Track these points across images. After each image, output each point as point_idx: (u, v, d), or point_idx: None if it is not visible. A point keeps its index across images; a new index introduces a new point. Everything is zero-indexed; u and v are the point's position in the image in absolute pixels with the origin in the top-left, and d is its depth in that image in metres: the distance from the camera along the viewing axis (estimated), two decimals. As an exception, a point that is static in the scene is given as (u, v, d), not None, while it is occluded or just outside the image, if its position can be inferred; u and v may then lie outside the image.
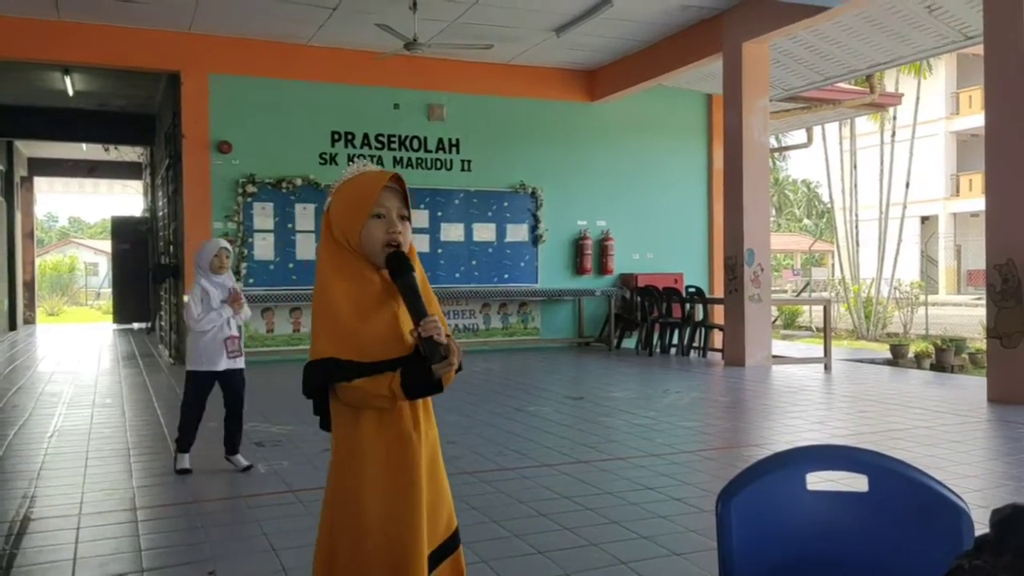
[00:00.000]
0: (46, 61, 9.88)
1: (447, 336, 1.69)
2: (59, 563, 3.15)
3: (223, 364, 4.50)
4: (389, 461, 1.70)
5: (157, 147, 13.69)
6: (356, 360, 1.65)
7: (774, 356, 9.47)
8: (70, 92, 11.80)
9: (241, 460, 4.58)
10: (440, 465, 1.81)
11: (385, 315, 1.71)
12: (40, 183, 19.90)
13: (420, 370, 1.66)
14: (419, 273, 1.76)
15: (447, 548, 1.79)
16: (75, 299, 29.83)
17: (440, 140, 10.93)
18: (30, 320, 17.80)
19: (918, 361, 12.03)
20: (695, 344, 10.48)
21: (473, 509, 3.77)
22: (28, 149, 17.07)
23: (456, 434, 5.49)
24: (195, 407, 4.54)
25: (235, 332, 4.59)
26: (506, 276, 11.28)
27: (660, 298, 10.80)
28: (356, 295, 1.70)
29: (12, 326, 15.81)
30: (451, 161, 10.99)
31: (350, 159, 10.48)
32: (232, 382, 4.56)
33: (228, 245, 4.67)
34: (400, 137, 10.75)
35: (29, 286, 18.01)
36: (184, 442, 4.53)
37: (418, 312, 1.68)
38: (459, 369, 1.71)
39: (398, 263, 1.71)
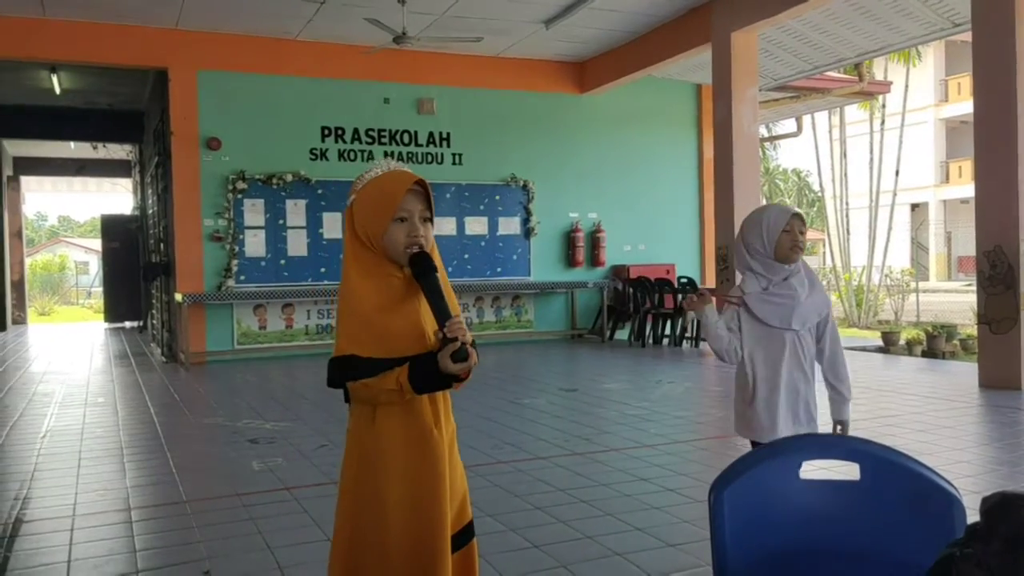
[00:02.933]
0: (32, 59, 9.81)
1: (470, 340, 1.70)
2: (54, 565, 3.14)
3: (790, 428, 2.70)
4: (410, 457, 1.71)
5: (146, 144, 13.62)
6: (377, 357, 1.66)
7: (767, 345, 9.48)
8: (57, 90, 11.72)
9: None
10: (456, 458, 1.83)
11: (407, 313, 1.73)
12: (28, 182, 19.79)
13: (428, 363, 1.66)
14: (441, 273, 1.78)
15: (459, 541, 1.81)
16: (66, 298, 29.69)
17: (431, 134, 10.91)
18: (20, 320, 17.71)
19: (909, 348, 12.09)
20: (688, 334, 10.50)
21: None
22: (14, 148, 16.96)
23: (450, 428, 5.49)
24: None
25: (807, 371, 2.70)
26: (499, 269, 11.28)
27: (652, 289, 10.81)
28: (379, 293, 1.72)
29: (2, 326, 15.73)
30: (442, 155, 10.97)
31: (340, 154, 10.46)
32: None
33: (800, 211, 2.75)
34: (390, 131, 10.71)
35: (18, 286, 17.92)
36: None
37: (443, 313, 1.70)
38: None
39: (421, 264, 1.73)
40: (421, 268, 1.73)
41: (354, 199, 1.79)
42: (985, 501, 0.95)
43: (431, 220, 1.79)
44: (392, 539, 1.70)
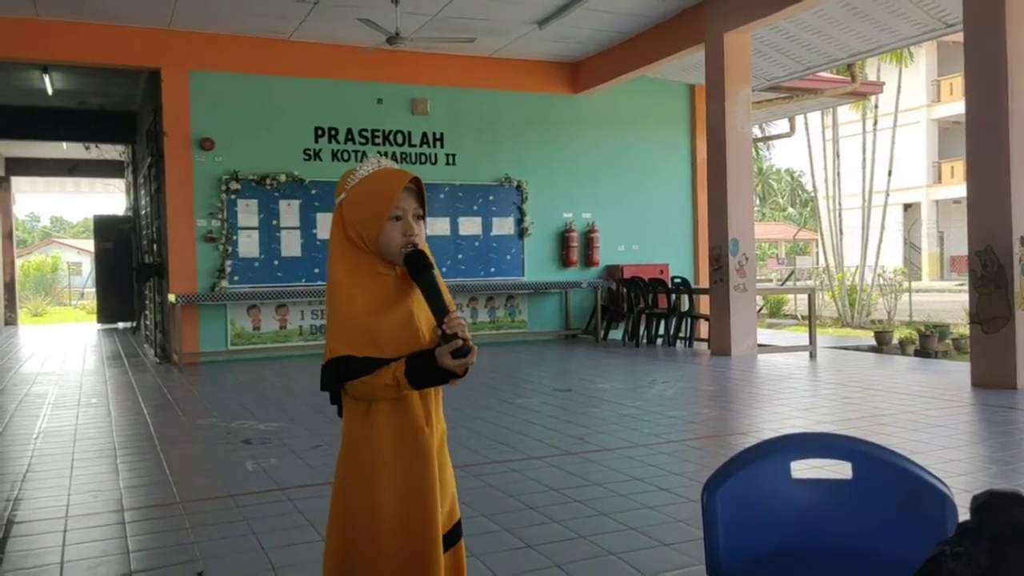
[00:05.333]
0: (24, 60, 9.78)
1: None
2: (46, 567, 3.13)
3: None
4: (401, 454, 1.71)
5: (139, 145, 13.58)
6: (374, 356, 1.65)
7: (760, 345, 9.51)
8: (49, 91, 11.68)
9: None
10: (446, 458, 1.83)
11: (400, 312, 1.71)
12: (20, 183, 19.72)
13: (426, 358, 1.66)
14: (435, 271, 1.77)
15: (448, 540, 1.82)
16: (59, 299, 29.57)
17: (424, 134, 10.91)
18: (11, 321, 17.65)
19: (902, 347, 12.13)
20: (681, 334, 10.51)
21: (463, 504, 3.75)
22: (6, 149, 16.90)
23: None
24: None
25: None
26: (492, 270, 11.28)
27: (646, 289, 10.83)
28: (370, 294, 1.70)
29: (-6, 328, 15.68)
30: (435, 155, 10.96)
31: (334, 155, 10.44)
32: None
33: None
34: (384, 132, 10.71)
35: (10, 287, 17.85)
36: None
37: (442, 309, 1.68)
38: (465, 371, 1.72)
39: (418, 262, 1.72)
40: (418, 266, 1.71)
41: (344, 198, 1.76)
42: (975, 499, 0.96)
43: (424, 218, 1.79)
44: (384, 538, 1.70)
